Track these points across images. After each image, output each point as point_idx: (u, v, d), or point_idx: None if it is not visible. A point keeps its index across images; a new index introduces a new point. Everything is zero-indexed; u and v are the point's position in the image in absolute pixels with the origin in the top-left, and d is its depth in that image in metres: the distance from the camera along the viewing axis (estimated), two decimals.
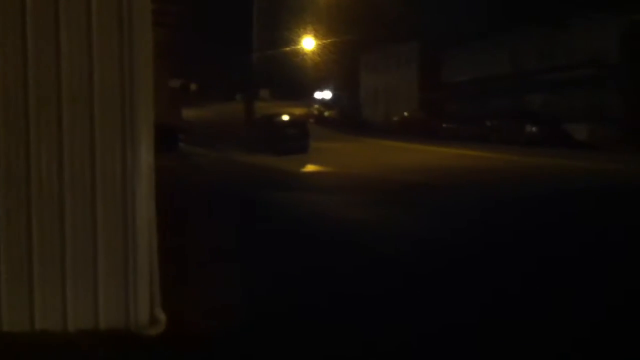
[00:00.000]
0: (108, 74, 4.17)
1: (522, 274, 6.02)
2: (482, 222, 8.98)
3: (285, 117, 26.92)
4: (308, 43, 45.14)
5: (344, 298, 5.19)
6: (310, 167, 18.89)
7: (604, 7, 27.30)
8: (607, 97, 27.95)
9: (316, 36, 45.16)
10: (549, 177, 15.09)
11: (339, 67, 56.13)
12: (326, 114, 50.18)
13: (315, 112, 53.21)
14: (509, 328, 4.50)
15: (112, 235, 4.15)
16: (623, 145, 24.40)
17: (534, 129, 26.17)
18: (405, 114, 39.51)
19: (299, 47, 45.02)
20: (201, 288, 5.46)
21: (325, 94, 66.32)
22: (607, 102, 27.89)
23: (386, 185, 13.81)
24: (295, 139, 24.39)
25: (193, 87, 65.13)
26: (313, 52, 48.89)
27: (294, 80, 65.65)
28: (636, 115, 26.06)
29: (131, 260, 4.16)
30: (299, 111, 46.90)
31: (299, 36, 45.12)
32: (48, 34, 4.07)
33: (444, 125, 33.28)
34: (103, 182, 4.16)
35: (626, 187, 12.85)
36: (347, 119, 47.12)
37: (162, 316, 4.29)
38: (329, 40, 45.94)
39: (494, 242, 7.51)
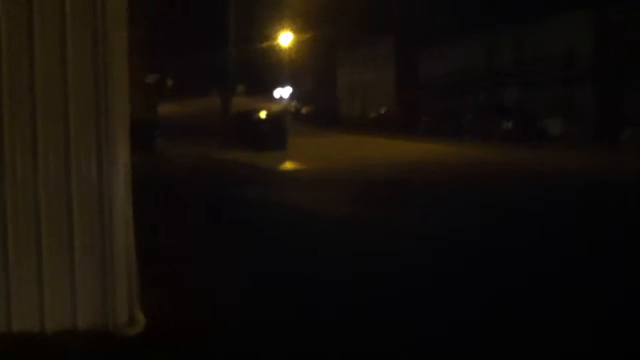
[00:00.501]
0: (82, 71, 4.13)
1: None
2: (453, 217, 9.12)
3: (263, 114, 26.88)
4: (285, 39, 45.03)
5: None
6: (288, 164, 18.89)
7: (579, 4, 27.69)
8: (581, 94, 28.36)
9: (293, 32, 45.07)
10: (516, 173, 15.36)
11: (316, 63, 56.12)
12: (303, 110, 50.16)
13: (293, 108, 53.13)
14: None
15: (89, 236, 4.11)
16: (595, 141, 24.83)
17: (509, 125, 26.47)
18: (382, 110, 39.67)
19: (275, 43, 44.88)
20: (185, 288, 5.44)
21: (285, 92, 64.22)
22: (581, 98, 28.31)
23: (362, 181, 13.89)
24: (273, 135, 24.37)
25: (169, 82, 64.56)
26: (290, 48, 48.79)
27: (271, 76, 65.43)
28: (608, 112, 26.51)
29: (109, 261, 4.13)
30: (276, 107, 46.83)
31: (276, 32, 44.99)
32: (21, 31, 4.01)
33: (421, 120, 33.50)
34: (78, 182, 4.12)
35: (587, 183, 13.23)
36: (324, 115, 47.13)
37: (140, 316, 4.27)
38: (306, 36, 45.88)
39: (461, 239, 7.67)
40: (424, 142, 25.33)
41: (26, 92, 4.03)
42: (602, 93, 27.22)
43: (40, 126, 4.05)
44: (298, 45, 47.97)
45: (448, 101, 36.86)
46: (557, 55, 29.46)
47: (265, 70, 62.74)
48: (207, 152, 22.84)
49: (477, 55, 36.03)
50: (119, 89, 4.21)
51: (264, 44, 44.85)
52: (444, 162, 17.86)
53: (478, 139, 26.52)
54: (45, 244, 4.04)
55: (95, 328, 4.08)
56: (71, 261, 4.08)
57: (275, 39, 44.91)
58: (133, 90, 5.06)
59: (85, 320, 4.09)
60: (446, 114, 32.39)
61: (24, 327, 4.01)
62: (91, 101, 4.14)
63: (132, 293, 4.23)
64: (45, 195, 4.05)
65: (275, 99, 61.86)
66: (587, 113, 27.33)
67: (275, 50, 48.88)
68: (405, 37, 42.77)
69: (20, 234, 4.02)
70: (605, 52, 26.94)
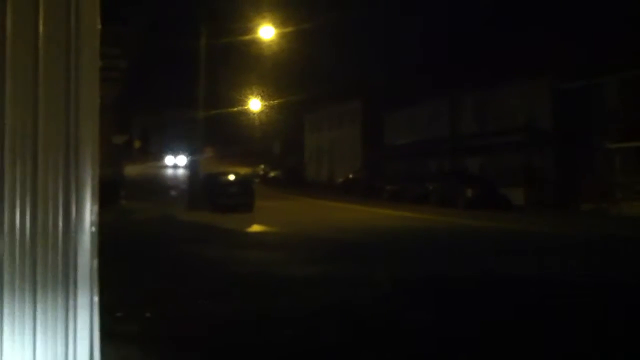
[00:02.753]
0: (54, 126, 4.17)
1: None
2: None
3: (231, 176, 26.98)
4: (254, 103, 45.70)
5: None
6: (255, 227, 18.87)
7: (538, 72, 28.90)
8: (541, 161, 29.23)
9: (262, 96, 45.79)
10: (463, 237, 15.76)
11: (284, 127, 56.90)
12: (271, 174, 50.51)
13: (261, 172, 53.41)
14: None
15: (52, 294, 4.07)
16: (556, 208, 25.47)
17: (472, 191, 26.99)
18: (350, 175, 40.19)
19: (245, 107, 45.49)
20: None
21: (179, 160, 59.99)
22: (541, 165, 29.15)
23: (325, 244, 14.04)
24: (240, 197, 24.40)
25: (137, 143, 64.47)
26: (259, 112, 49.47)
27: (239, 140, 65.95)
28: (568, 179, 27.31)
29: (71, 320, 4.08)
30: (244, 170, 47.00)
31: (246, 96, 45.67)
32: None
33: (386, 187, 33.94)
34: (44, 239, 4.11)
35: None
36: (291, 179, 47.46)
37: None
38: (275, 101, 46.65)
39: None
40: (389, 209, 25.66)
41: None
42: (561, 160, 28.09)
43: (7, 181, 4.06)
44: (267, 109, 48.67)
45: (413, 167, 37.56)
46: (517, 123, 30.46)
47: (235, 134, 63.23)
48: (171, 212, 22.65)
49: (440, 121, 37.04)
50: (89, 146, 4.26)
51: (235, 108, 45.42)
52: (408, 228, 18.16)
53: (442, 206, 26.92)
54: (7, 301, 3.98)
55: None
56: (33, 320, 4.02)
57: (245, 103, 45.54)
58: (100, 150, 5.14)
59: None
60: (411, 180, 32.90)
61: None
62: (61, 158, 4.18)
63: (94, 353, 4.17)
64: (8, 252, 4.02)
65: (167, 165, 61.04)
66: (547, 180, 28.10)
67: (244, 114, 49.47)
68: (372, 102, 43.89)
69: None
70: (564, 119, 27.92)
